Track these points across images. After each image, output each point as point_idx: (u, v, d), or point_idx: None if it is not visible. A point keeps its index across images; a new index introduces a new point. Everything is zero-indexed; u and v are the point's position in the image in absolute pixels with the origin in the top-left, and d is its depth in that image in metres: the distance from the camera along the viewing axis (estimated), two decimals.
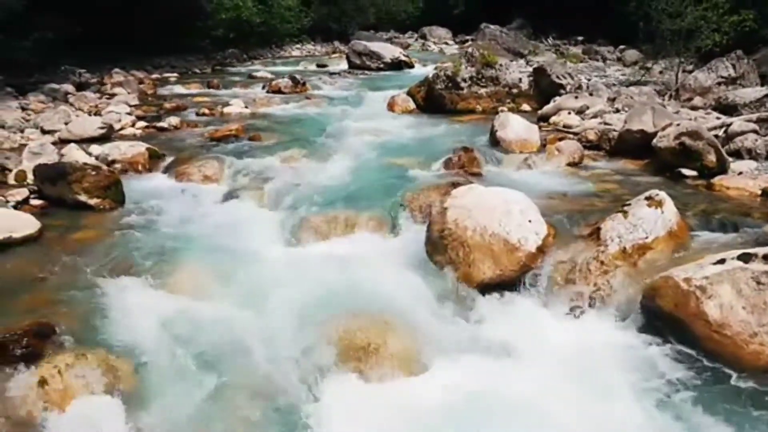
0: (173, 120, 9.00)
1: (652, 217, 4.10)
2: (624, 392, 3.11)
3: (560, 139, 7.04)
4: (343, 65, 19.42)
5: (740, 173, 5.66)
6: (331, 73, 16.96)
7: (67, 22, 12.76)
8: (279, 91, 12.60)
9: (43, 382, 3.05)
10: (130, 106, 10.37)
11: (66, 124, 8.09)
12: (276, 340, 3.52)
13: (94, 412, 2.97)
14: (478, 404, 3.07)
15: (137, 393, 3.12)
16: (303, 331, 3.54)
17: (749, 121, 6.83)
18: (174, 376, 3.22)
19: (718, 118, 7.59)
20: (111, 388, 3.11)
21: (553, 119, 8.67)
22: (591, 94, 9.79)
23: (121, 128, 8.54)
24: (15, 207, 5.23)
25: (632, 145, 6.54)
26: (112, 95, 11.57)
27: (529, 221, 4.25)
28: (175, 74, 17.03)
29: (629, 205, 4.28)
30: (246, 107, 10.65)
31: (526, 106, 10.12)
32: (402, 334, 3.52)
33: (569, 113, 8.65)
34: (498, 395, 3.13)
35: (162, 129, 8.72)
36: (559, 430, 2.92)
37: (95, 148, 6.90)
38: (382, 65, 18.45)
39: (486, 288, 4.05)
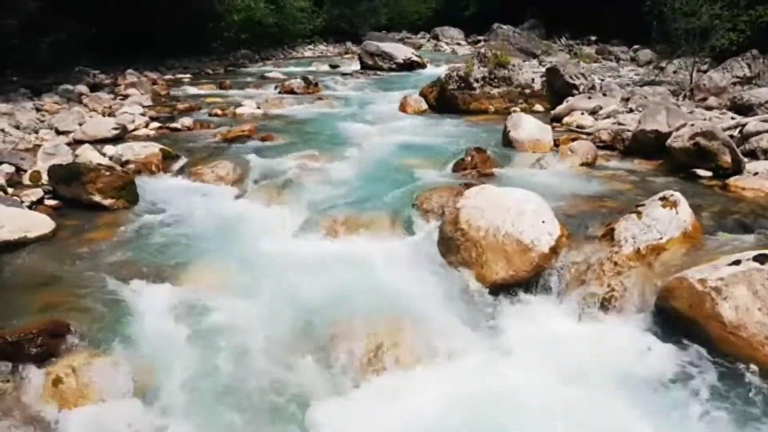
0: (186, 121, 9.03)
1: (667, 217, 4.06)
2: (637, 393, 3.09)
3: (573, 140, 6.99)
4: (356, 66, 19.49)
5: (756, 174, 5.58)
6: (344, 74, 17.00)
7: (80, 23, 12.84)
8: (291, 92, 12.62)
9: (57, 381, 3.07)
10: (144, 106, 10.41)
11: (80, 124, 8.12)
12: (290, 338, 3.53)
13: (109, 411, 2.98)
14: (490, 404, 3.06)
15: (152, 392, 3.13)
16: (316, 331, 3.55)
17: (765, 121, 6.76)
18: (189, 376, 3.23)
19: (733, 118, 7.52)
20: (125, 388, 3.12)
21: (566, 120, 8.64)
22: (604, 95, 9.75)
23: (135, 129, 8.56)
24: (30, 207, 5.25)
25: (646, 146, 6.49)
26: (126, 96, 11.62)
27: (543, 222, 4.23)
28: (188, 75, 17.12)
29: (643, 205, 4.24)
30: (258, 108, 10.66)
31: (538, 107, 10.08)
32: (415, 334, 3.52)
33: (582, 114, 8.62)
34: (510, 395, 3.12)
35: (175, 130, 8.74)
36: (570, 429, 2.91)
37: (109, 149, 6.93)
38: (394, 66, 18.49)
39: (499, 288, 4.03)
